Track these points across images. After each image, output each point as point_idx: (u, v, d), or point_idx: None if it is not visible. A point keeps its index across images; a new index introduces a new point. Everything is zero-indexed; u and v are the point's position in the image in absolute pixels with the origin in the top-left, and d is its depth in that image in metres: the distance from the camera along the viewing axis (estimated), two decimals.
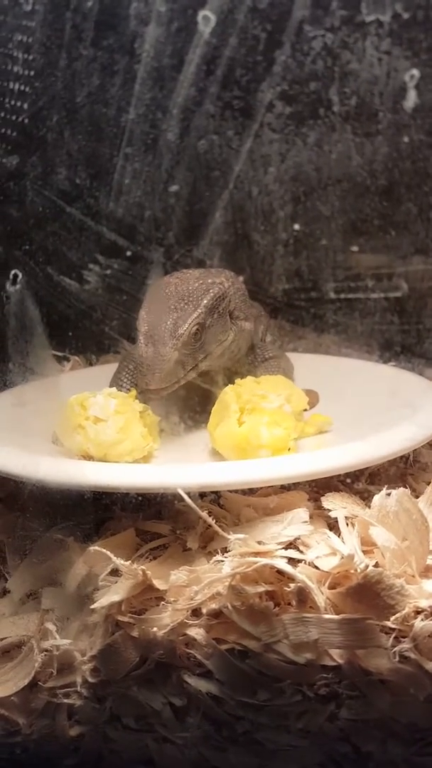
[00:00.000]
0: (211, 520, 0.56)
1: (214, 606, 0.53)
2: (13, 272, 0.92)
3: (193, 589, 0.54)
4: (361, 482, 0.66)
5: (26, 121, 1.10)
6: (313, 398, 0.80)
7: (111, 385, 0.85)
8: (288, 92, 1.01)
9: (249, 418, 0.68)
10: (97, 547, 0.55)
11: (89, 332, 1.13)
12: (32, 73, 1.07)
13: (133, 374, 0.85)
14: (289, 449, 0.67)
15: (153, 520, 0.62)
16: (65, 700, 0.54)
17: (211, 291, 0.76)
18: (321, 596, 0.52)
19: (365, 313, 1.03)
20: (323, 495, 0.61)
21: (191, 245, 1.12)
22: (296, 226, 1.06)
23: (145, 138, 1.09)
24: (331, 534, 0.57)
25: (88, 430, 0.68)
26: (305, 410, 0.76)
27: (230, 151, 1.05)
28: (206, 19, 0.98)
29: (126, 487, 0.58)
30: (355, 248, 1.05)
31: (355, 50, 0.97)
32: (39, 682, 0.54)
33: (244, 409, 0.69)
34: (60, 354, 1.00)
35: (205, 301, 0.74)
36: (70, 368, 1.03)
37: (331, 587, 0.52)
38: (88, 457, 0.68)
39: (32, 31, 1.04)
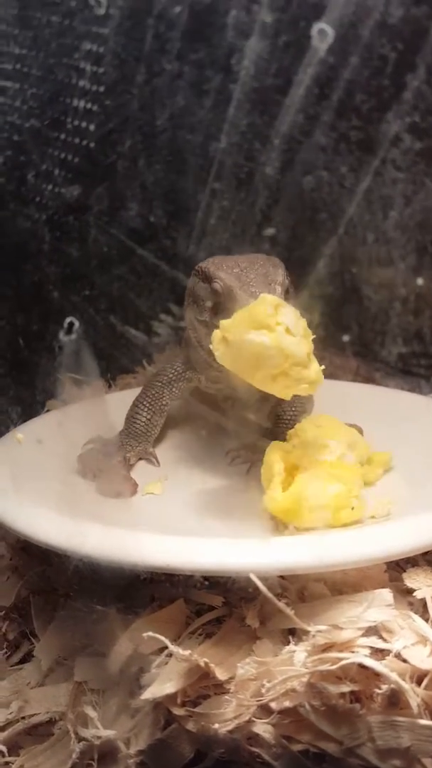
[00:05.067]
0: (289, 611, 0.64)
1: (287, 703, 0.61)
2: (68, 320, 0.97)
3: (262, 683, 0.62)
4: None
5: (92, 145, 1.21)
6: None
7: (129, 418, 0.98)
8: (419, 124, 1.11)
9: (302, 475, 0.78)
10: (150, 633, 0.63)
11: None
12: (102, 88, 1.18)
13: (158, 401, 0.97)
14: (352, 508, 0.75)
15: (203, 590, 0.72)
16: None
17: (277, 261, 0.89)
18: (415, 698, 0.60)
19: None
20: (401, 567, 0.72)
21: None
22: (419, 281, 1.13)
23: (238, 171, 1.20)
24: (417, 618, 0.66)
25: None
26: None
27: (342, 191, 1.17)
28: (323, 33, 1.09)
29: (191, 569, 0.66)
30: None
31: None
32: None
33: (294, 467, 0.79)
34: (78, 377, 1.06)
35: (279, 264, 0.87)
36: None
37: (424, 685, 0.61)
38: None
39: (105, 39, 1.19)
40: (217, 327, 0.79)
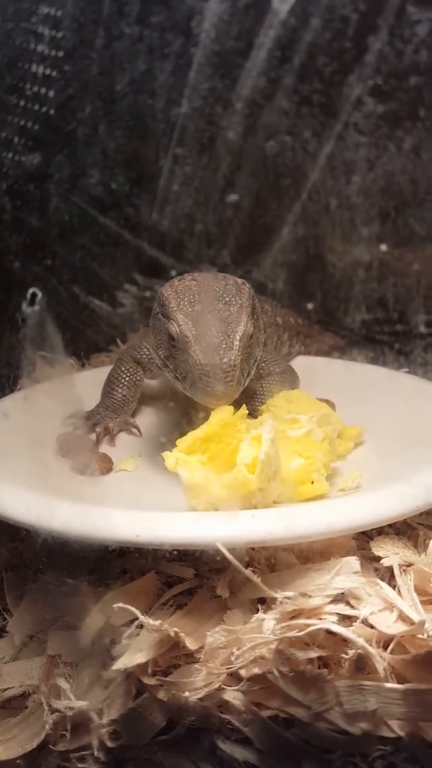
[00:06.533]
0: (257, 579, 0.64)
1: (256, 670, 0.62)
2: (31, 291, 0.96)
3: (232, 651, 0.63)
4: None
5: (51, 111, 1.18)
6: None
7: (106, 392, 0.99)
8: (382, 87, 1.09)
9: None
10: (121, 604, 0.63)
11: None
12: (61, 53, 1.15)
13: (133, 376, 0.98)
14: (312, 482, 0.76)
15: (174, 562, 0.73)
16: (79, 765, 0.63)
17: (244, 289, 0.87)
18: (381, 662, 0.61)
19: None
20: (368, 536, 0.73)
21: (251, 266, 1.21)
22: (383, 247, 1.16)
23: (200, 137, 1.18)
24: (384, 585, 0.67)
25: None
26: None
27: (306, 156, 1.16)
28: None
29: (159, 543, 0.66)
30: None
31: None
32: (49, 745, 0.63)
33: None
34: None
35: (245, 299, 0.86)
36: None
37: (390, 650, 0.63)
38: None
39: (63, 2, 1.13)
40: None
